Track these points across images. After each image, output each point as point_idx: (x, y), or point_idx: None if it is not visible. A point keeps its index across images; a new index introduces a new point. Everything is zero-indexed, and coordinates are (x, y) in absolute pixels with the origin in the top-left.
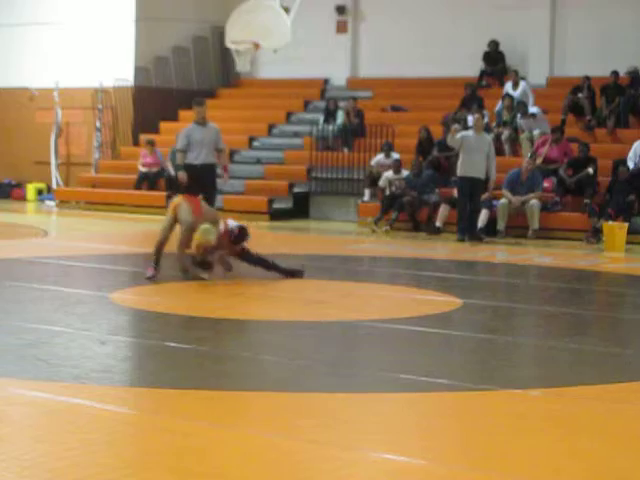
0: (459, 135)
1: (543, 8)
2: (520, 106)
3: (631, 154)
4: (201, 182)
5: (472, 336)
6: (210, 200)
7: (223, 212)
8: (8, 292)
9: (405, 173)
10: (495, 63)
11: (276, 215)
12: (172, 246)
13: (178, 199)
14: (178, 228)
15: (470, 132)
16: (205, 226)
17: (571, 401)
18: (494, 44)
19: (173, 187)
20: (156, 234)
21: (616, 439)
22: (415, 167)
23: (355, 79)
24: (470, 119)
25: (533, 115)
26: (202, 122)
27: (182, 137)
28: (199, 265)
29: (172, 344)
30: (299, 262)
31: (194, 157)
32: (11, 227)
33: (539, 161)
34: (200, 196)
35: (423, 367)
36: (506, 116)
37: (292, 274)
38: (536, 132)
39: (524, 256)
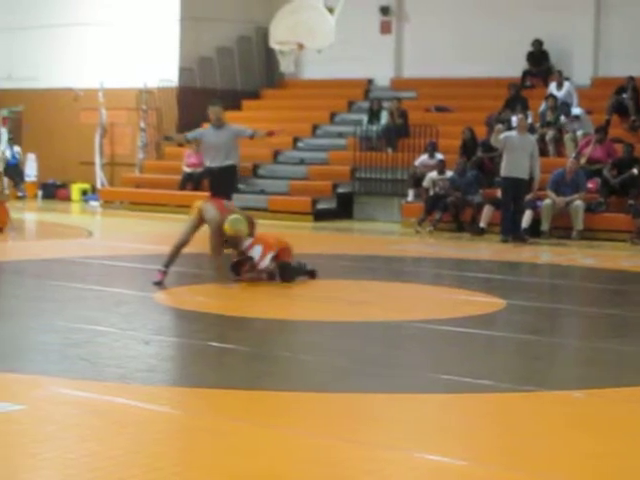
0: (502, 135)
1: (587, 8)
2: (563, 107)
3: None
4: (218, 184)
5: (515, 337)
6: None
7: (268, 213)
8: (53, 292)
9: (449, 174)
10: (539, 63)
11: (320, 215)
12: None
13: (200, 202)
14: (207, 232)
15: (513, 132)
16: (234, 216)
17: (614, 403)
18: (538, 44)
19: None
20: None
21: None
22: (459, 168)
23: (399, 79)
24: (514, 120)
25: (577, 117)
26: (217, 124)
27: (196, 131)
28: (233, 267)
29: (215, 344)
30: (343, 263)
31: (210, 160)
32: (56, 227)
33: (583, 161)
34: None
35: (466, 368)
36: (550, 117)
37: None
38: (579, 132)
39: (568, 257)
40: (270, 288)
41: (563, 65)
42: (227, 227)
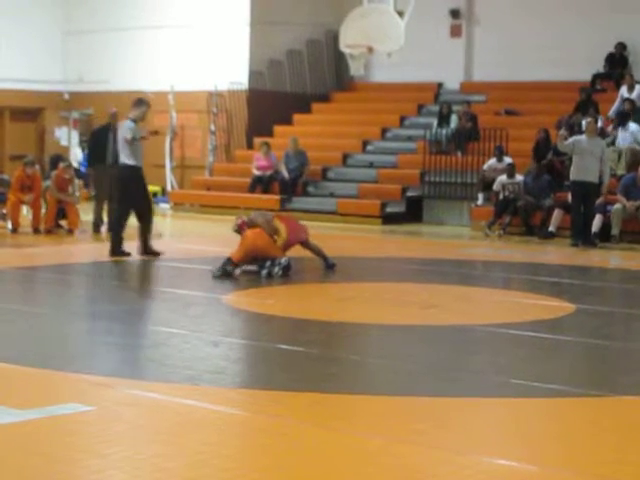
0: (571, 139)
1: None
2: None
3: None
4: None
5: (584, 341)
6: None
7: (337, 216)
8: (122, 294)
9: (519, 177)
10: (617, 66)
11: (389, 219)
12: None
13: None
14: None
15: (583, 136)
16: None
17: None
18: (621, 46)
19: (287, 191)
20: None
21: None
22: (534, 171)
23: (469, 83)
24: (584, 123)
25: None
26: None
27: None
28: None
29: (283, 346)
30: (412, 266)
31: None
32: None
33: None
34: None
35: (534, 372)
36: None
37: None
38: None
39: (638, 262)
40: (340, 291)
41: (635, 68)
42: None
